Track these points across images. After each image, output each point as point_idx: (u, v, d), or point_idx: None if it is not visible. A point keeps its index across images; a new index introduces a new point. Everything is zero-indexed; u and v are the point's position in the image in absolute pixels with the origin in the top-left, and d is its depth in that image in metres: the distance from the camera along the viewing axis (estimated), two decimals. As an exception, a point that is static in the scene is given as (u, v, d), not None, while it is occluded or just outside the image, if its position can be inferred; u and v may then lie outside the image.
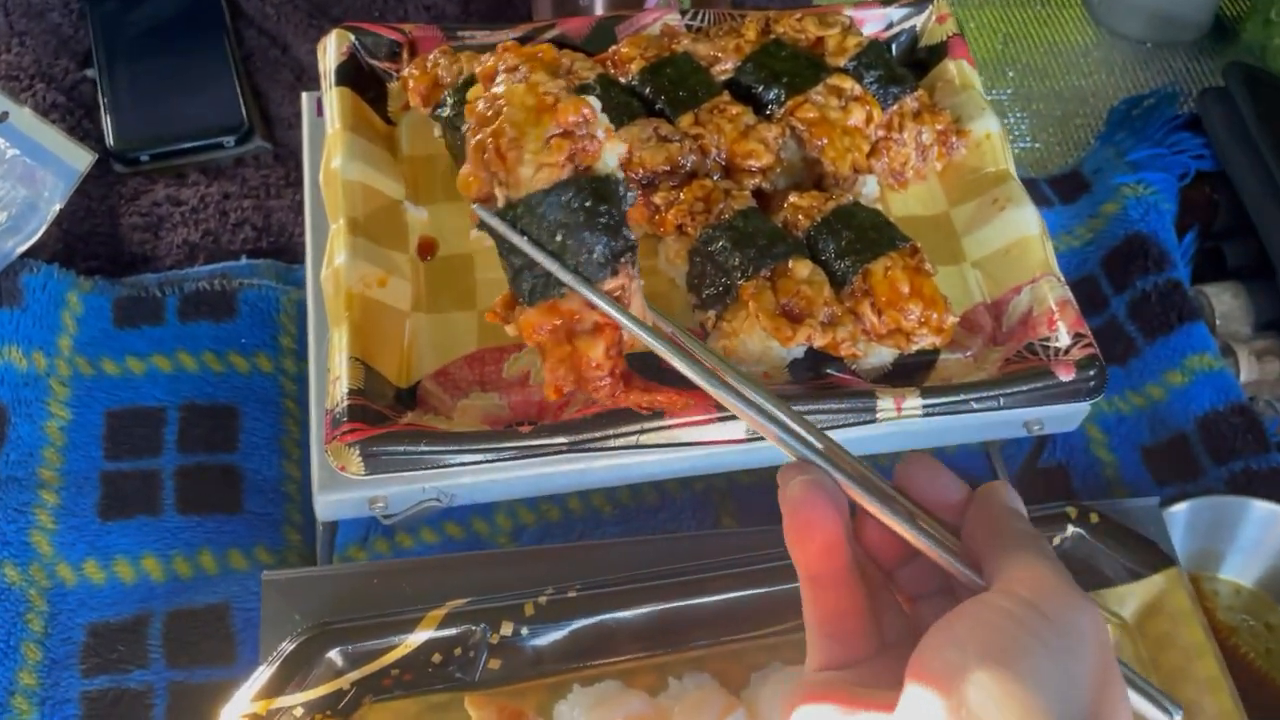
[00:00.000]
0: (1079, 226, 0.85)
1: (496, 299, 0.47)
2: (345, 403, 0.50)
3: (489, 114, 0.44)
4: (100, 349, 0.71)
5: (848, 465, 0.36)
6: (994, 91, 0.97)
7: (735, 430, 0.52)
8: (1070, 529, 0.57)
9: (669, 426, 0.52)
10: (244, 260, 0.77)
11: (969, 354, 0.58)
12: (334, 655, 0.50)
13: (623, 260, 0.43)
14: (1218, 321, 0.79)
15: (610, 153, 0.45)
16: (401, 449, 0.50)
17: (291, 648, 0.50)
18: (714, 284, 0.54)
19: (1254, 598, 0.68)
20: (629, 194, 0.45)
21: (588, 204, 0.43)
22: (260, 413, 0.71)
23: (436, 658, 0.51)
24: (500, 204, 0.44)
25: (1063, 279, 0.58)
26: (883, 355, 0.56)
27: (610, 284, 0.43)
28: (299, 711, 0.49)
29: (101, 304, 0.73)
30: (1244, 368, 0.77)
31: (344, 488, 0.52)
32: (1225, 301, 0.80)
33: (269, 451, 0.69)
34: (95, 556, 0.63)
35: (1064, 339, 0.56)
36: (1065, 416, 0.59)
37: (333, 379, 0.52)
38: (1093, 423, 0.75)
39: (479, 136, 0.44)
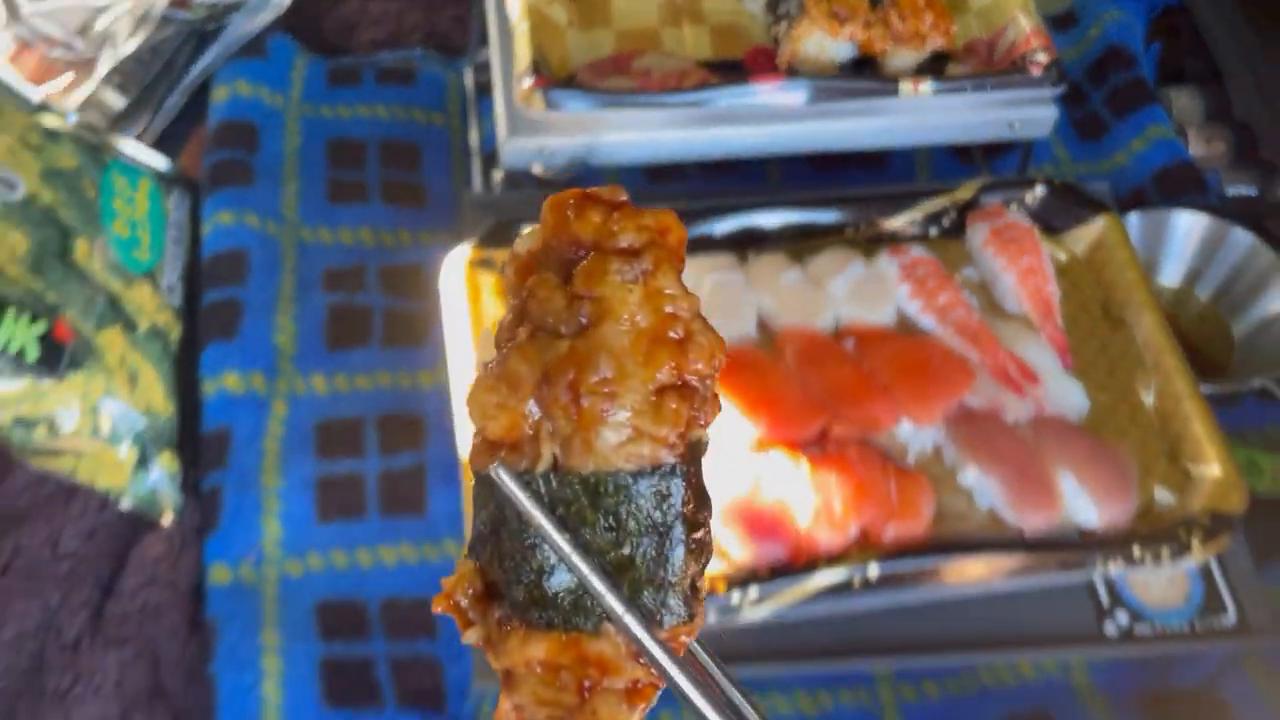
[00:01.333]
0: (1070, 49, 1.06)
1: (453, 579, 0.31)
2: (530, 67, 0.74)
3: (569, 319, 0.29)
4: (319, 100, 0.95)
5: None
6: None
7: (796, 97, 0.75)
8: (1038, 189, 0.79)
9: (751, 95, 0.74)
10: (418, 51, 1.02)
11: (969, 66, 0.80)
12: (523, 229, 0.73)
13: (703, 592, 0.30)
14: (1175, 113, 1.01)
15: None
16: (571, 91, 0.73)
17: (495, 221, 0.73)
18: (786, 2, 0.77)
19: (1185, 294, 0.89)
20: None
21: (687, 507, 0.29)
22: (435, 150, 0.94)
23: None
24: (541, 464, 0.29)
25: (1035, 13, 0.80)
26: (906, 59, 0.78)
27: (677, 630, 0.30)
28: (498, 265, 0.72)
29: (318, 70, 0.97)
30: (1193, 143, 0.98)
31: (524, 135, 0.76)
32: (1183, 99, 1.02)
33: (443, 174, 0.93)
34: (325, 224, 0.87)
35: (1035, 53, 0.78)
36: (1038, 120, 0.81)
37: (518, 59, 0.76)
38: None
39: (538, 355, 0.29)
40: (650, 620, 0.29)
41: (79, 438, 0.70)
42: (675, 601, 0.29)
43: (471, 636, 0.30)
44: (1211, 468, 0.67)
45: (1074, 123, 1.01)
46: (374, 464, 0.77)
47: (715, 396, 0.30)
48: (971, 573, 0.63)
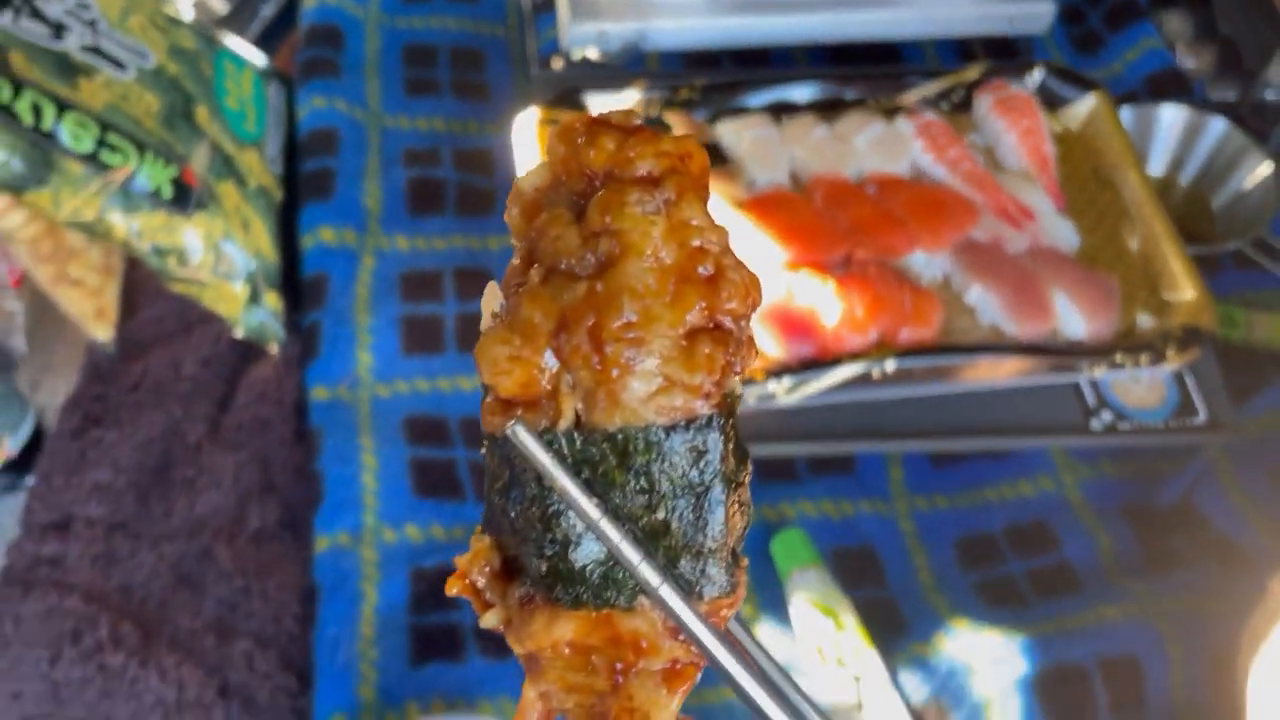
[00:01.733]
0: (1070, -22, 1.17)
1: (468, 557, 0.29)
2: (593, -43, 0.85)
3: (585, 258, 0.27)
4: (395, 12, 1.07)
5: None
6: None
7: (826, -14, 0.86)
8: (1037, 72, 0.89)
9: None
10: (481, -27, 1.13)
11: (974, -34, 0.91)
12: (583, 97, 0.84)
13: (744, 560, 0.29)
14: (1165, 33, 1.11)
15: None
16: (628, -24, 0.84)
17: (560, 89, 0.84)
18: (814, -94, 0.88)
19: (1170, 181, 0.99)
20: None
21: (726, 464, 0.27)
22: (497, 57, 1.06)
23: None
24: (562, 421, 0.27)
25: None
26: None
27: (719, 602, 0.28)
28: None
29: (393, -13, 1.09)
30: (1181, 57, 1.08)
31: (584, 19, 0.87)
32: (1173, 21, 1.12)
33: (505, 77, 1.04)
34: (404, 113, 0.99)
35: (1035, -49, 0.89)
36: (1036, 15, 0.91)
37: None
38: (1071, 87, 1.07)
39: (553, 299, 0.27)
40: (689, 592, 0.27)
41: (203, 270, 0.81)
42: (716, 570, 0.27)
43: (490, 619, 0.28)
44: (1186, 293, 0.77)
45: (1072, 39, 1.12)
46: (451, 307, 0.88)
47: (751, 339, 0.27)
48: (975, 371, 0.73)
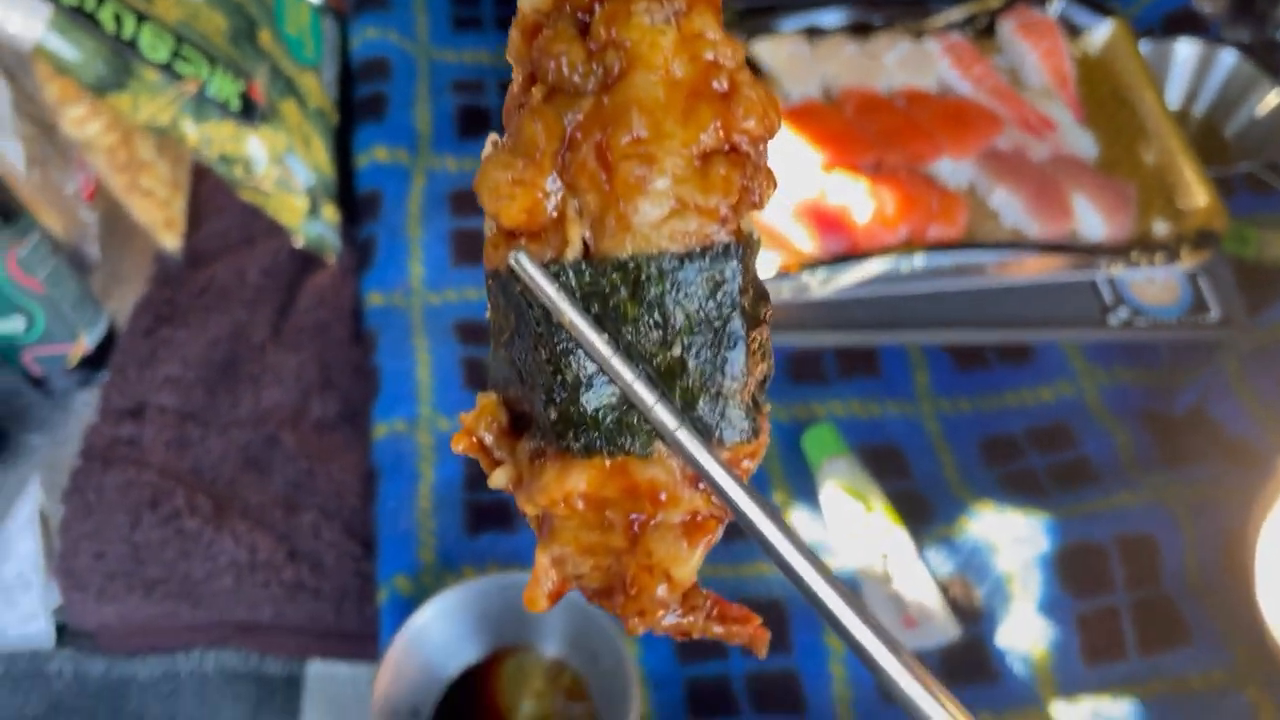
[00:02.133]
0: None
1: (474, 414, 0.28)
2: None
3: (594, 72, 0.25)
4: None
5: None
6: None
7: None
8: (1057, 1, 0.93)
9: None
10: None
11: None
12: None
13: (766, 407, 0.27)
14: (1182, -24, 1.15)
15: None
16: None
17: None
18: None
19: (1184, 114, 1.03)
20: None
21: (745, 296, 0.26)
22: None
23: None
24: (569, 250, 0.25)
25: None
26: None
27: (740, 449, 0.26)
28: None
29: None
30: (1196, 1, 1.12)
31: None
32: (1188, -34, 1.16)
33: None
34: (451, 47, 1.03)
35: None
36: (1057, -51, 0.95)
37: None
38: (1089, 29, 1.11)
39: (557, 117, 0.25)
40: (708, 436, 0.25)
41: (267, 181, 0.86)
42: (736, 413, 0.26)
43: (499, 478, 0.27)
44: (1198, 199, 0.81)
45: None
46: (498, 223, 0.92)
47: (769, 169, 0.26)
48: (999, 268, 0.77)
